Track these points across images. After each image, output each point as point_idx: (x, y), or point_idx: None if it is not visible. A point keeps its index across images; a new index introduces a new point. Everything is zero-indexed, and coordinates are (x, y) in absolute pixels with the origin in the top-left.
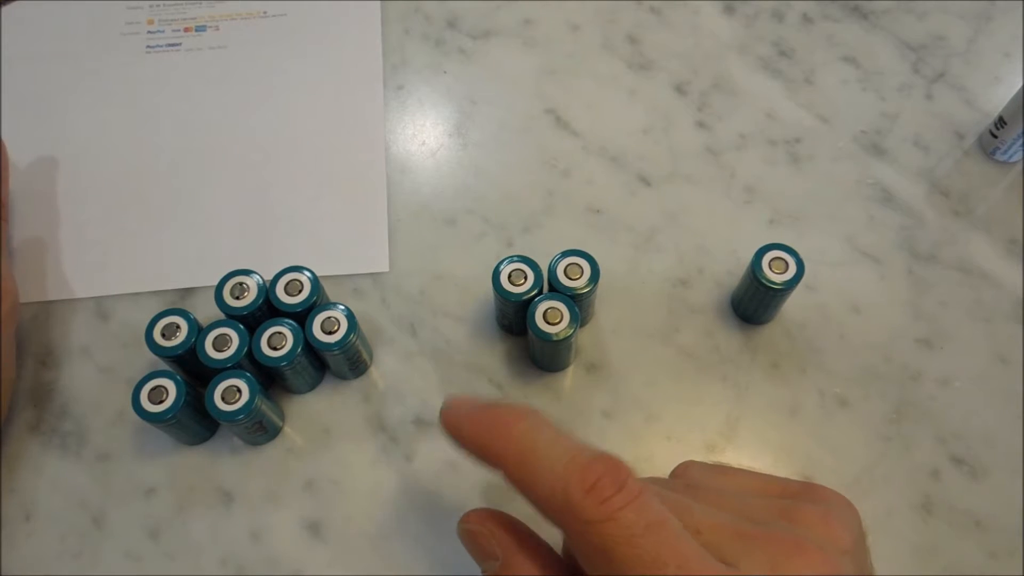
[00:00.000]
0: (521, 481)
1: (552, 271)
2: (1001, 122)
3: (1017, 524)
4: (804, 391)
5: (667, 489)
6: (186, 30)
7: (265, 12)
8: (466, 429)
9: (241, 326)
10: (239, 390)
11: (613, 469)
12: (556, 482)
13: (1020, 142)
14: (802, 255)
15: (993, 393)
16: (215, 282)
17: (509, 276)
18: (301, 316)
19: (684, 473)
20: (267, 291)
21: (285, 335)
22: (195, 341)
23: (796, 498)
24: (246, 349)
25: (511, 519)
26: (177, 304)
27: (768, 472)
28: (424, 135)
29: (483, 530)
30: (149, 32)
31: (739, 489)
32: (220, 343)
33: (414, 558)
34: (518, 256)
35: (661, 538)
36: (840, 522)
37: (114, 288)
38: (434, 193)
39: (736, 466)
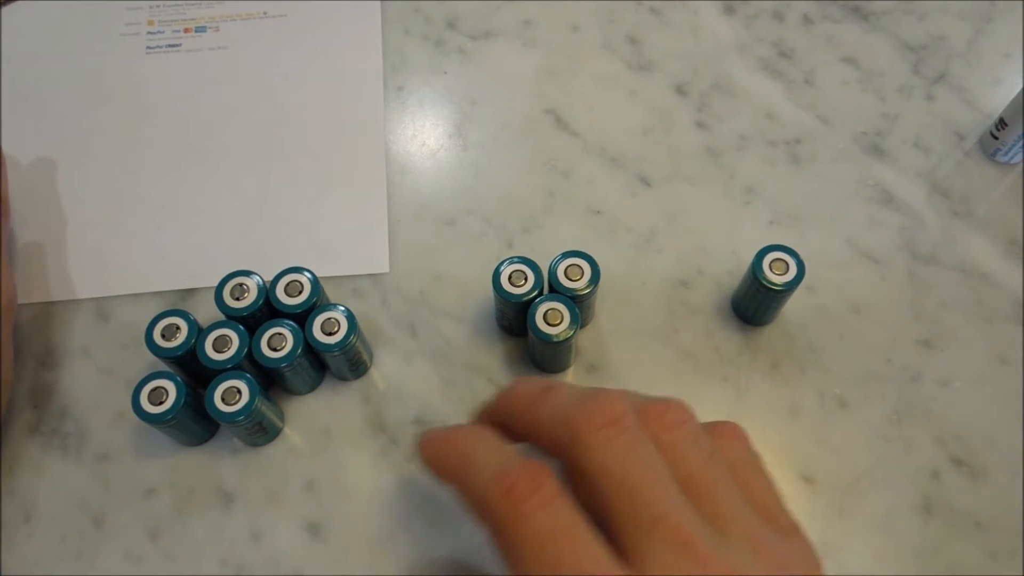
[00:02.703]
0: (460, 488)
1: (552, 272)
2: (1001, 123)
3: (1017, 525)
4: (804, 392)
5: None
6: (186, 31)
7: (265, 12)
8: (426, 451)
9: (241, 327)
10: (239, 391)
11: (532, 473)
12: (484, 485)
13: (1020, 143)
14: (802, 256)
15: (993, 394)
16: (215, 283)
17: (509, 277)
18: (301, 317)
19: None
20: (267, 292)
21: (285, 336)
22: (195, 342)
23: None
24: (246, 350)
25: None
26: (177, 305)
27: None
28: (424, 136)
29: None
30: (149, 33)
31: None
32: (220, 344)
33: (414, 558)
34: (518, 257)
35: (564, 544)
36: (784, 556)
37: (114, 289)
38: (434, 194)
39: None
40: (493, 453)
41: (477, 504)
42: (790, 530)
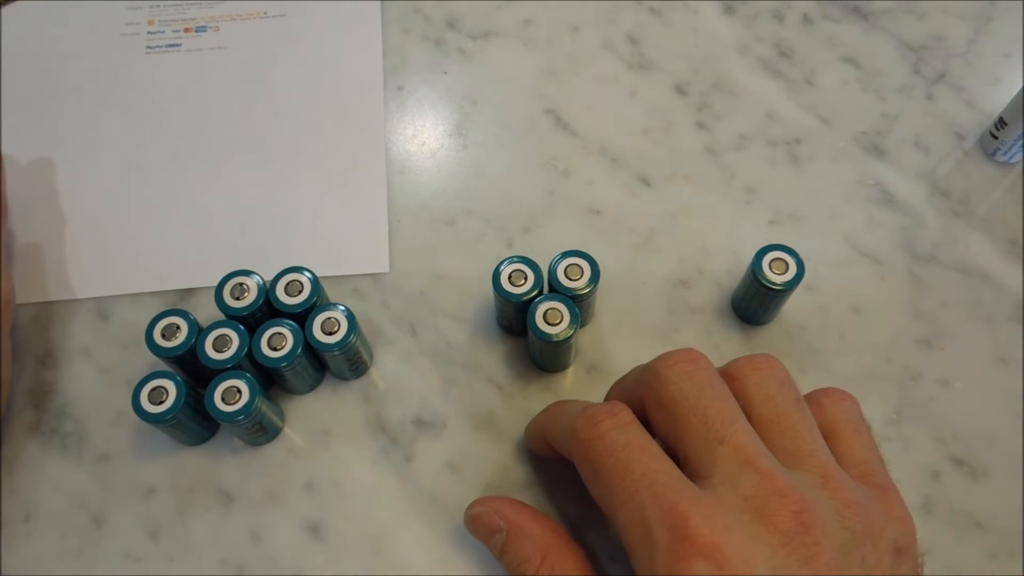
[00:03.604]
0: (551, 432)
1: (552, 272)
2: (1001, 123)
3: (1017, 525)
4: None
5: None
6: (186, 30)
7: (265, 12)
8: (529, 432)
9: (241, 327)
10: (239, 391)
11: (610, 406)
12: (571, 419)
13: (1020, 143)
14: (802, 256)
15: (993, 394)
16: (215, 282)
17: (509, 277)
18: (301, 317)
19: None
20: (267, 292)
21: (285, 336)
22: (195, 342)
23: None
24: (246, 350)
25: (511, 499)
26: (177, 304)
27: None
28: (424, 135)
29: (487, 509)
30: (149, 33)
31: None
32: (220, 344)
33: (414, 558)
34: (518, 257)
35: (635, 453)
36: (857, 501)
37: (114, 288)
38: (434, 194)
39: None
40: (578, 403)
41: (565, 439)
42: (882, 487)
